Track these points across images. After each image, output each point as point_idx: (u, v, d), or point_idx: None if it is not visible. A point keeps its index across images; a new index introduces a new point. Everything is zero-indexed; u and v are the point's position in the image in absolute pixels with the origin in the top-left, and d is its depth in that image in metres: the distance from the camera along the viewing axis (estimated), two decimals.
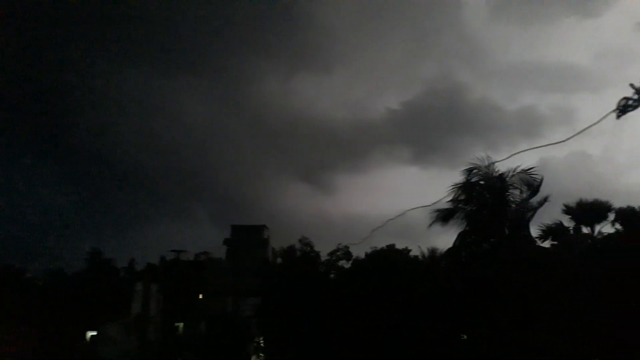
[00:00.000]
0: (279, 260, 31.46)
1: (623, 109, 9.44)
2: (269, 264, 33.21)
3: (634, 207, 22.16)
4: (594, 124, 10.04)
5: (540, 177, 16.91)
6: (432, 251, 28.29)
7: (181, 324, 33.74)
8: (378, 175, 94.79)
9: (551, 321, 16.90)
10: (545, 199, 17.13)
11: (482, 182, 17.44)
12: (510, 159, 14.52)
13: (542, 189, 17.11)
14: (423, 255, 29.05)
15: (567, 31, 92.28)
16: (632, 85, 9.32)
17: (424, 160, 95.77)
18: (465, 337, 21.93)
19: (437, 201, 16.20)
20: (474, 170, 17.24)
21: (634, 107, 9.38)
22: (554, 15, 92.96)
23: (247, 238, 39.61)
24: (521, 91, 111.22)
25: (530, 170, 16.94)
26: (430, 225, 17.85)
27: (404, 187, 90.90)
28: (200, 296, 35.08)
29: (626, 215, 21.60)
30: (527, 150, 12.64)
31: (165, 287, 32.84)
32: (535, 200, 17.14)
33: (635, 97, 9.30)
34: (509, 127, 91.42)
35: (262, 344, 29.79)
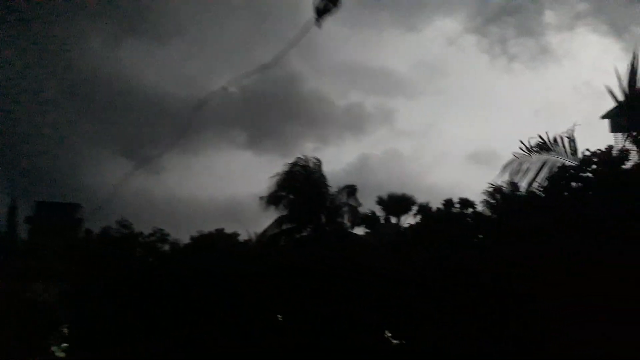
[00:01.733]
0: (92, 242, 28.86)
1: (322, 10, 8.75)
2: (79, 246, 30.20)
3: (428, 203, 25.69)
4: (290, 47, 10.19)
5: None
6: (260, 236, 28.98)
7: None
8: (210, 157, 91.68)
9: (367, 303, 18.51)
10: (354, 192, 18.82)
11: (303, 173, 18.46)
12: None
13: (360, 181, 18.85)
14: (251, 240, 29.59)
15: (392, 41, 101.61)
16: None
17: (258, 146, 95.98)
18: (280, 317, 23.02)
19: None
20: (298, 164, 18.16)
21: (333, 6, 8.67)
22: (381, 25, 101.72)
23: (56, 217, 35.56)
24: (350, 89, 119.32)
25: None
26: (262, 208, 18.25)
27: (237, 171, 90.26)
28: None
29: (423, 209, 25.16)
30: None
31: None
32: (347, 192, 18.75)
33: None
34: (338, 121, 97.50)
35: (66, 333, 27.06)
